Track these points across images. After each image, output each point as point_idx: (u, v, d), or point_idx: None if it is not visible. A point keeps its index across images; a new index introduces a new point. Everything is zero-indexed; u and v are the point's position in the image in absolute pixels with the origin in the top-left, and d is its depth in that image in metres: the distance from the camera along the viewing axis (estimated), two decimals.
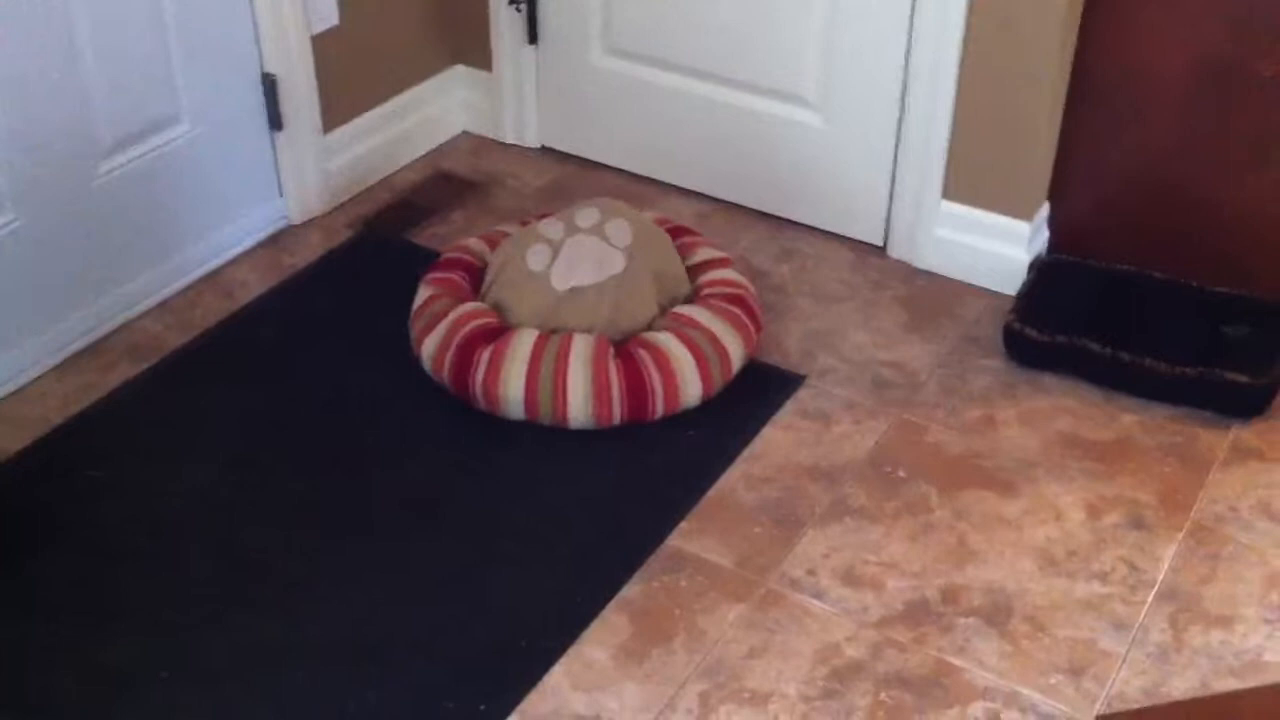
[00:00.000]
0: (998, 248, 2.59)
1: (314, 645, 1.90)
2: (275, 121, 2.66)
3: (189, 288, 2.57)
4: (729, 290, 2.38)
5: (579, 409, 2.21)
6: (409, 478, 2.18)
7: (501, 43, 2.96)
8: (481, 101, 3.04)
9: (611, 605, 1.97)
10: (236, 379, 2.36)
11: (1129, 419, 2.32)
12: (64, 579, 1.99)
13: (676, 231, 2.51)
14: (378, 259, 2.68)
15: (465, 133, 3.09)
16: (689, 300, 2.39)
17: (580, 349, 2.22)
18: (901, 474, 2.21)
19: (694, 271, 2.44)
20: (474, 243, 2.51)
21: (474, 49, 3.01)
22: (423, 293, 2.38)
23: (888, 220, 2.69)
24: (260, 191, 2.70)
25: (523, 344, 2.22)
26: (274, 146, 2.69)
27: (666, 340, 2.26)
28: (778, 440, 2.27)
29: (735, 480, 2.19)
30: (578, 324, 2.28)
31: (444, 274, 2.41)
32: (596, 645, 1.92)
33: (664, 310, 2.35)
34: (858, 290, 2.62)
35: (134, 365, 2.39)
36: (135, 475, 2.16)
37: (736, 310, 2.34)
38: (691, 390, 2.26)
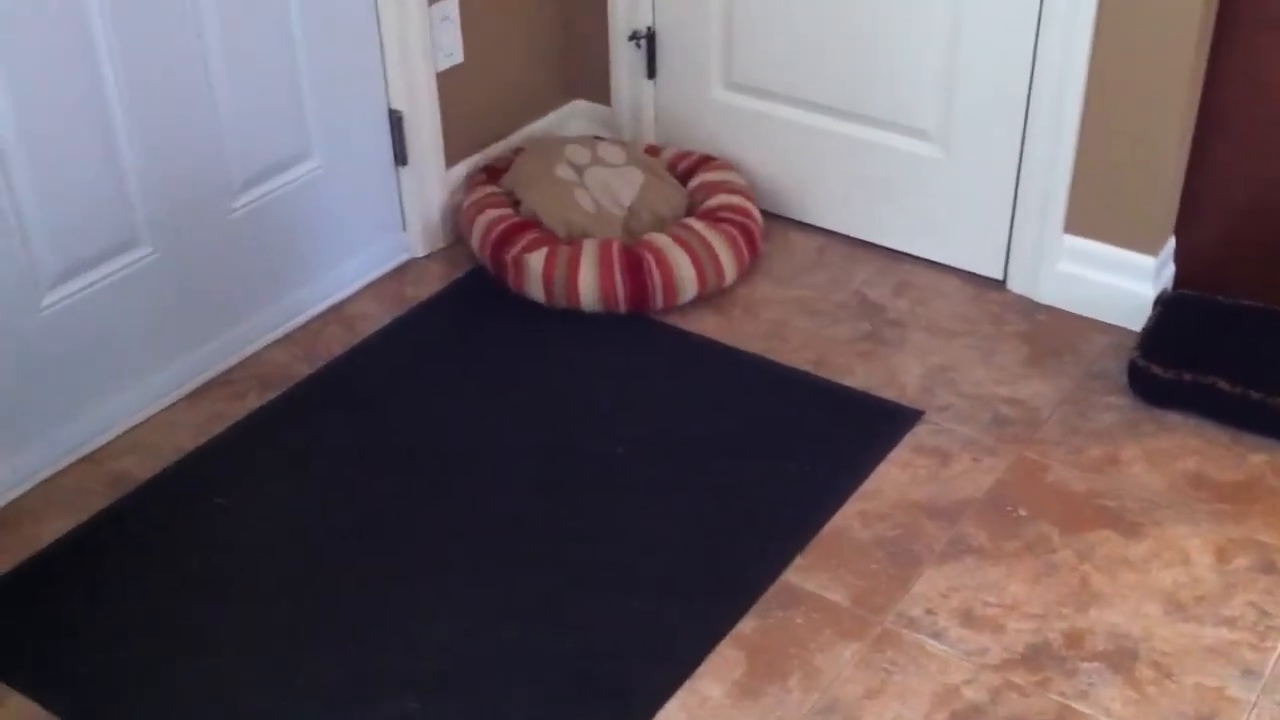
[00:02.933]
0: (1121, 282, 2.54)
1: (417, 674, 1.93)
2: (401, 157, 2.72)
3: (314, 319, 2.64)
4: (722, 177, 2.82)
5: (686, 280, 2.61)
6: (515, 506, 2.20)
7: (621, 77, 2.99)
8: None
9: (726, 640, 1.98)
10: (356, 409, 2.42)
11: (1258, 459, 2.26)
12: (168, 603, 2.04)
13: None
14: (498, 291, 2.72)
15: None
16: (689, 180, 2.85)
17: (662, 241, 2.63)
18: (1022, 513, 2.18)
19: (672, 164, 2.88)
20: (500, 206, 2.74)
21: (594, 83, 3.05)
22: (534, 260, 2.59)
23: (1008, 254, 2.66)
24: (384, 225, 2.76)
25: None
26: (398, 181, 2.75)
27: (730, 199, 2.73)
28: (894, 477, 2.25)
29: (850, 516, 2.18)
30: (656, 225, 2.68)
31: (532, 234, 2.64)
32: (712, 681, 1.92)
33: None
34: (977, 325, 2.59)
35: (262, 395, 2.45)
36: (253, 503, 2.22)
37: (740, 182, 2.84)
38: (759, 243, 2.75)
